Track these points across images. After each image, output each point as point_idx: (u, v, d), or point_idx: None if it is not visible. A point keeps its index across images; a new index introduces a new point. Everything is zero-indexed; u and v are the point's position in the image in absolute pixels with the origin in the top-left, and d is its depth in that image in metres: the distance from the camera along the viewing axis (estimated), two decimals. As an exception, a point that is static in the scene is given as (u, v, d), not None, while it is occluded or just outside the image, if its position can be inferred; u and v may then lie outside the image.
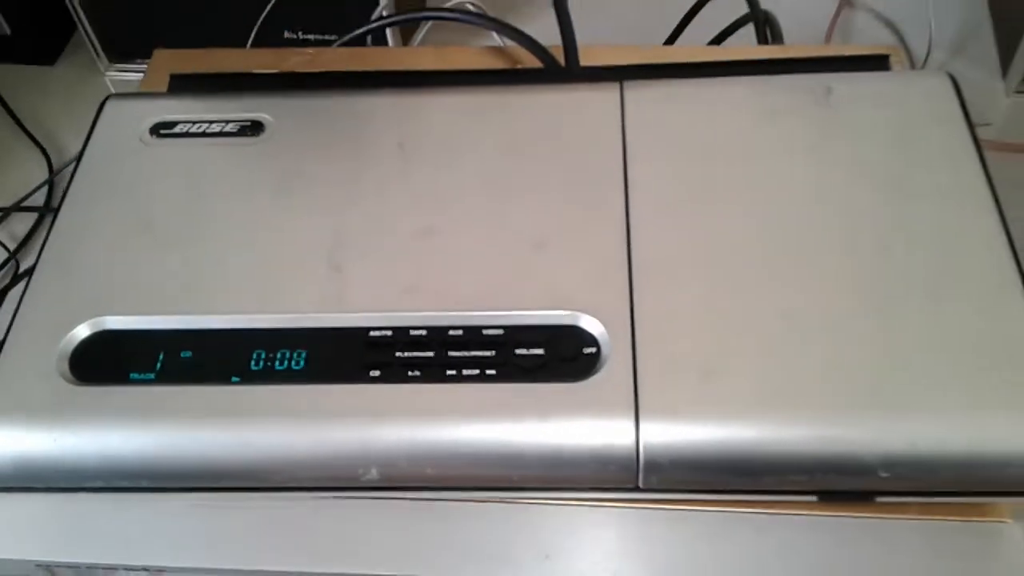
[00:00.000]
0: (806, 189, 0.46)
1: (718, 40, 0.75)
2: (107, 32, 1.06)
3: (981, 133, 0.93)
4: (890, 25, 1.03)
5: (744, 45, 0.71)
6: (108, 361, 0.43)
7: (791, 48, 0.61)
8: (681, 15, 0.80)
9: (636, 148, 0.48)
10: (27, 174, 0.96)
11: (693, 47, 0.69)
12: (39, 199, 0.96)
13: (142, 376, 0.42)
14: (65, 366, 0.42)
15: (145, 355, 0.43)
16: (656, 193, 0.46)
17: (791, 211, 0.45)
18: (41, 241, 0.47)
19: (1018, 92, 0.97)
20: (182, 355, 0.43)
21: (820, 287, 0.42)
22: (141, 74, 0.70)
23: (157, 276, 0.45)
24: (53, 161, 1.00)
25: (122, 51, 1.08)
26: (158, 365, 0.43)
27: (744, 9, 0.71)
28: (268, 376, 0.42)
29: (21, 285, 0.53)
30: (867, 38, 1.01)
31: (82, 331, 0.43)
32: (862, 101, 0.49)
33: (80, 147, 0.52)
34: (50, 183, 0.95)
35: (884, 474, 0.38)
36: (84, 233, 0.47)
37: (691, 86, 0.51)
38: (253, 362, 0.42)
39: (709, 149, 0.48)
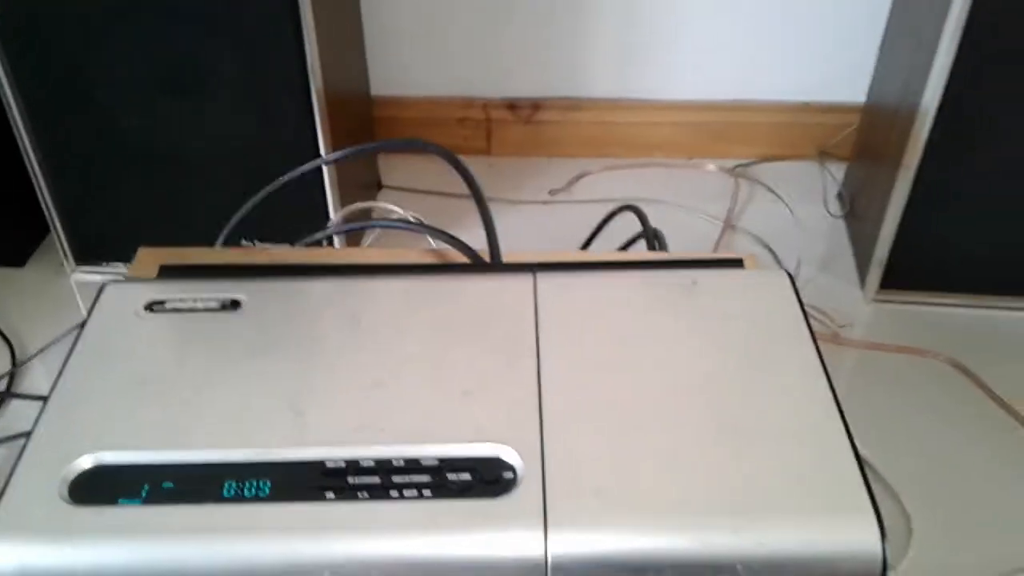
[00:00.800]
0: (677, 357, 0.58)
1: (623, 249, 0.91)
2: (77, 235, 1.17)
3: (844, 333, 1.09)
4: (766, 246, 1.22)
5: (635, 251, 0.86)
6: (102, 487, 0.51)
7: (671, 253, 0.76)
8: (590, 231, 0.96)
9: (545, 324, 0.60)
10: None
11: (595, 252, 0.83)
12: (1, 387, 1.04)
13: (129, 501, 0.50)
14: (65, 491, 0.50)
15: (133, 484, 0.51)
16: (561, 357, 0.58)
17: (666, 373, 0.57)
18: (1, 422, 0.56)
19: (874, 300, 1.14)
20: (164, 485, 0.51)
21: (687, 429, 0.53)
22: (103, 276, 0.80)
23: (147, 420, 0.54)
24: (17, 354, 1.09)
25: (89, 253, 1.19)
26: (143, 492, 0.51)
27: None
28: (238, 500, 0.50)
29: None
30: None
31: (83, 462, 0.52)
32: (719, 291, 0.62)
33: (43, 342, 0.61)
34: (11, 374, 1.03)
35: (740, 569, 0.48)
36: (86, 384, 0.56)
37: (590, 276, 0.64)
38: (225, 490, 0.51)
39: (603, 324, 0.60)
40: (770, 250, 1.21)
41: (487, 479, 0.51)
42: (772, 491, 0.50)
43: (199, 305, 0.62)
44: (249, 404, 0.55)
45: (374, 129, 1.40)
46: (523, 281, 0.64)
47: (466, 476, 0.51)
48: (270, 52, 1.01)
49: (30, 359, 1.03)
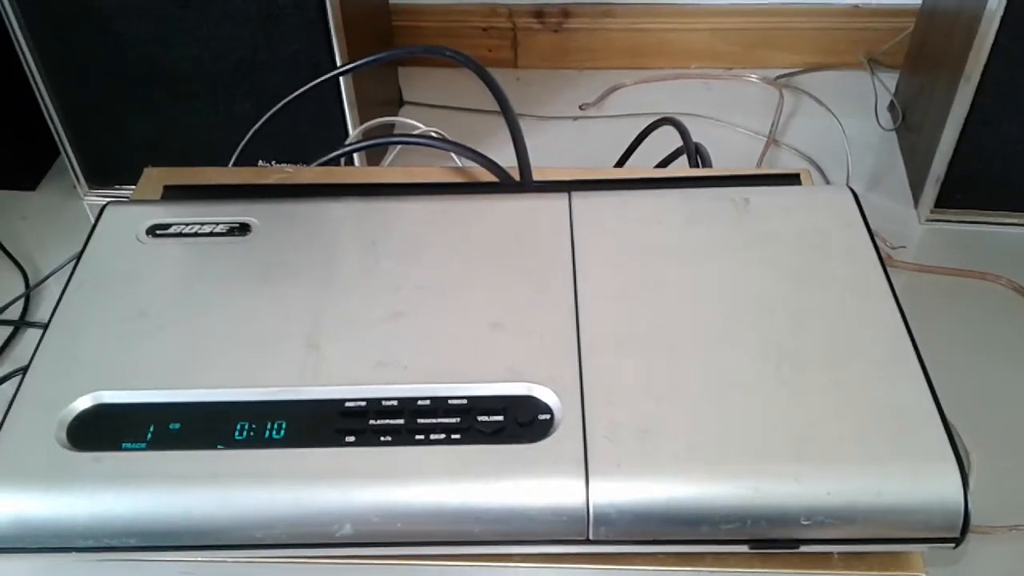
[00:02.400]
0: (729, 281, 0.52)
1: (660, 166, 0.84)
2: (88, 157, 1.13)
3: (897, 255, 1.03)
4: (812, 162, 1.15)
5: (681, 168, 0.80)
6: (105, 430, 0.47)
7: (717, 170, 0.69)
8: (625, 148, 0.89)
9: (582, 246, 0.55)
10: (4, 290, 1.01)
11: (633, 168, 0.77)
12: (15, 312, 1.00)
13: (134, 446, 0.46)
14: (63, 435, 0.46)
15: (138, 426, 0.47)
16: (601, 283, 0.52)
17: (717, 299, 0.51)
18: (14, 352, 0.52)
19: (928, 220, 1.07)
20: (171, 426, 0.47)
21: (743, 361, 0.48)
22: (116, 198, 0.76)
23: (151, 356, 0.50)
24: (30, 278, 1.05)
25: (101, 176, 1.15)
26: (149, 436, 0.46)
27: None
28: (251, 444, 0.46)
29: None
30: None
31: (82, 403, 0.47)
32: (775, 209, 0.56)
33: (68, 256, 0.57)
34: (26, 297, 0.99)
35: (805, 522, 0.43)
36: (85, 317, 0.52)
37: (630, 195, 0.58)
38: (237, 432, 0.47)
39: (647, 247, 0.54)
40: (817, 166, 1.14)
41: (521, 421, 0.46)
42: (839, 434, 0.45)
43: (205, 229, 0.57)
44: (261, 338, 0.50)
45: (394, 40, 1.33)
46: (557, 202, 0.58)
47: (498, 418, 0.46)
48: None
49: (42, 283, 0.99)
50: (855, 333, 0.49)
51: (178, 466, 0.45)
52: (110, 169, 1.14)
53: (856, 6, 1.27)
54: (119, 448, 0.46)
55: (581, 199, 0.58)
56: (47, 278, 0.98)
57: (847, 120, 1.19)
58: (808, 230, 0.55)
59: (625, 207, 0.57)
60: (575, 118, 1.25)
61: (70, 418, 0.47)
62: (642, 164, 0.86)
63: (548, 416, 0.46)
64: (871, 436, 0.45)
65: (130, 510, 0.44)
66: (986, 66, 0.95)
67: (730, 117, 1.22)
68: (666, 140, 0.83)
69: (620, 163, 0.95)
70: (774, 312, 0.50)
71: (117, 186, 1.15)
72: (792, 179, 0.62)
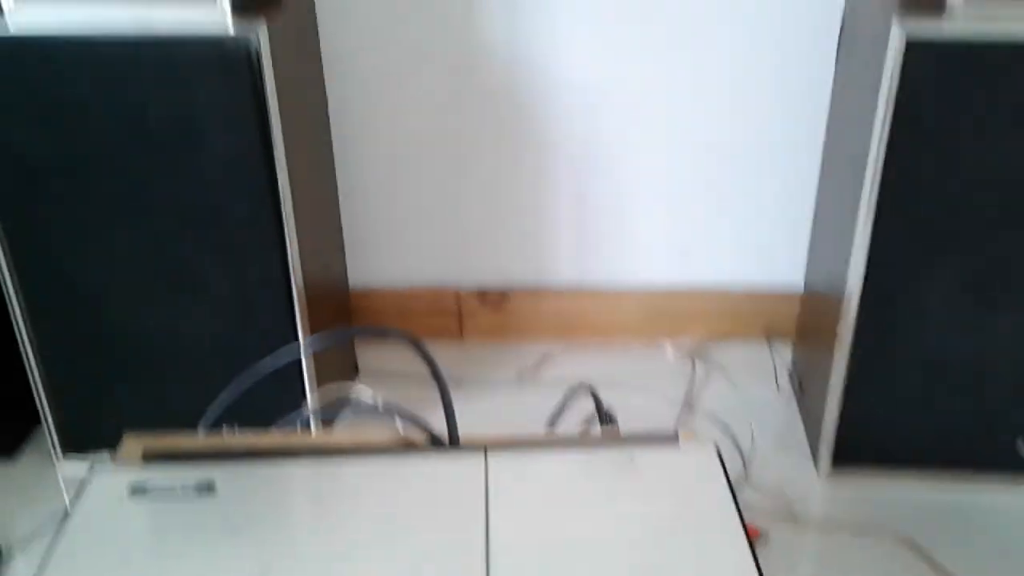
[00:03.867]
0: (614, 540, 0.63)
1: (585, 425, 0.98)
2: (65, 425, 1.20)
3: (800, 512, 1.12)
4: (724, 425, 1.28)
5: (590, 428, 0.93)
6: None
7: (614, 431, 0.82)
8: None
9: (495, 501, 0.66)
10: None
11: (547, 432, 0.89)
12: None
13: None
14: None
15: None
16: (510, 537, 0.63)
17: (606, 545, 0.62)
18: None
19: (828, 478, 1.18)
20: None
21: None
22: (89, 463, 0.84)
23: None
24: (3, 551, 1.10)
25: (77, 444, 1.22)
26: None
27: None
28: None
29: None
30: (701, 434, 1.24)
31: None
32: (652, 468, 0.69)
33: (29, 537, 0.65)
34: (-1, 572, 1.02)
35: None
36: (75, 566, 0.61)
37: (538, 455, 0.71)
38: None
39: (547, 499, 0.66)
40: (727, 429, 1.27)
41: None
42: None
43: (176, 490, 0.68)
44: (219, 581, 0.60)
45: (351, 318, 1.48)
46: (474, 458, 0.70)
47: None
48: (254, 254, 1.10)
49: (13, 558, 1.05)
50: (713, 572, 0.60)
51: None
52: (86, 436, 1.21)
53: (751, 290, 1.46)
54: None
55: (496, 458, 0.70)
56: (17, 553, 1.03)
57: (752, 387, 1.34)
58: (678, 488, 0.67)
59: (533, 464, 0.69)
60: (514, 383, 1.39)
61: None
62: (573, 420, 0.98)
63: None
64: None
65: None
66: (854, 340, 1.10)
67: (650, 383, 1.36)
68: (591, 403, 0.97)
69: (550, 424, 1.08)
70: (651, 559, 0.61)
71: (92, 452, 1.22)
72: (671, 438, 0.75)
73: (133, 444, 0.81)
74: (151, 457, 0.77)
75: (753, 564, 0.60)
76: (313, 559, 0.61)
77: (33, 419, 1.23)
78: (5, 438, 1.28)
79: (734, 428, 1.27)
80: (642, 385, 1.36)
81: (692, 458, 0.70)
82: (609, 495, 0.66)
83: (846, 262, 1.08)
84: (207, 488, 0.68)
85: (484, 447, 0.71)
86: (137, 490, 0.68)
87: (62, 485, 0.83)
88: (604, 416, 0.96)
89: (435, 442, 0.77)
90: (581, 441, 0.76)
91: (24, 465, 1.26)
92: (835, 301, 1.13)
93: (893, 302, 1.08)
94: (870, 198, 1.03)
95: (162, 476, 0.69)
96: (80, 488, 0.68)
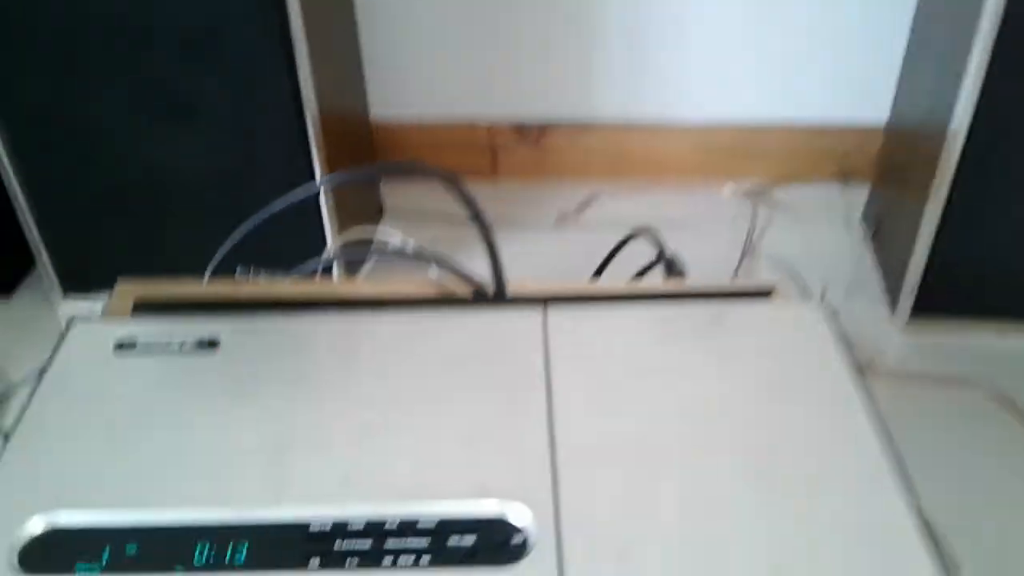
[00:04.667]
0: (703, 399, 0.52)
1: (639, 275, 0.85)
2: (64, 266, 1.12)
3: (875, 364, 1.02)
4: (789, 273, 1.16)
5: (654, 280, 0.81)
6: (58, 553, 0.45)
7: (691, 283, 0.69)
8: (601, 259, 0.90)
9: (557, 361, 0.54)
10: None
11: (608, 282, 0.77)
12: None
13: (88, 568, 0.44)
14: (15, 559, 0.44)
15: (93, 548, 0.45)
16: (575, 400, 0.51)
17: (691, 418, 0.51)
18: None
19: (906, 329, 1.08)
20: (127, 548, 0.45)
21: (720, 482, 0.47)
22: (92, 305, 0.75)
23: (110, 475, 0.48)
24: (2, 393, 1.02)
25: (78, 284, 1.14)
26: (104, 558, 0.45)
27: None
28: (212, 567, 0.44)
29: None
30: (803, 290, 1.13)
31: (35, 525, 0.45)
32: (747, 326, 0.56)
33: (39, 366, 0.56)
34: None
35: (788, 649, 0.41)
36: (45, 433, 0.50)
37: (605, 310, 0.58)
38: (197, 555, 0.45)
39: (620, 364, 0.54)
40: (793, 277, 1.15)
41: (494, 543, 0.45)
42: (820, 552, 0.43)
43: (173, 346, 0.56)
44: (225, 457, 0.49)
45: (375, 153, 1.35)
46: (532, 316, 0.58)
47: (470, 540, 0.45)
48: (260, 75, 0.97)
49: (12, 397, 0.98)
50: (833, 452, 0.48)
51: (134, 593, 0.43)
52: (87, 277, 1.13)
53: (825, 124, 1.31)
54: (72, 572, 0.44)
55: (556, 314, 0.58)
56: (14, 394, 0.96)
57: (820, 231, 1.21)
58: (781, 347, 0.55)
59: (600, 322, 0.57)
60: (553, 228, 1.27)
61: (22, 541, 0.45)
62: (620, 275, 0.86)
63: (522, 538, 0.45)
64: (855, 560, 0.43)
65: (80, 642, 0.42)
66: (952, 182, 0.98)
67: (707, 228, 1.23)
68: (643, 251, 0.84)
69: (597, 274, 0.96)
70: (750, 432, 0.50)
71: (94, 294, 1.14)
72: (764, 294, 0.62)
73: (127, 291, 0.70)
74: (145, 308, 0.65)
75: (886, 445, 0.49)
76: (340, 428, 0.50)
77: (30, 258, 1.15)
78: (1, 276, 1.20)
79: (802, 275, 1.15)
80: (698, 230, 1.23)
81: (794, 317, 0.57)
82: (699, 356, 0.54)
83: (954, 96, 0.94)
84: (209, 344, 0.56)
85: (544, 300, 0.59)
86: (125, 345, 0.56)
87: (63, 324, 0.75)
88: (669, 265, 0.83)
89: (480, 294, 0.65)
90: (654, 294, 0.63)
91: (22, 305, 1.17)
92: (935, 138, 0.99)
93: (1001, 144, 0.95)
94: (991, 25, 0.87)
95: (156, 329, 0.58)
96: (57, 343, 0.57)
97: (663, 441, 0.49)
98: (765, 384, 0.52)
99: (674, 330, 0.56)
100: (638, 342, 0.55)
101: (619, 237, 0.90)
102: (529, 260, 1.19)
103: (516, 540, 0.45)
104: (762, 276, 1.15)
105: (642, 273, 0.88)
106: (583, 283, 0.66)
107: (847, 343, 0.55)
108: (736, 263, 1.17)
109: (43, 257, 1.11)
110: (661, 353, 0.54)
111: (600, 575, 0.43)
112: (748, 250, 1.20)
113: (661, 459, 0.48)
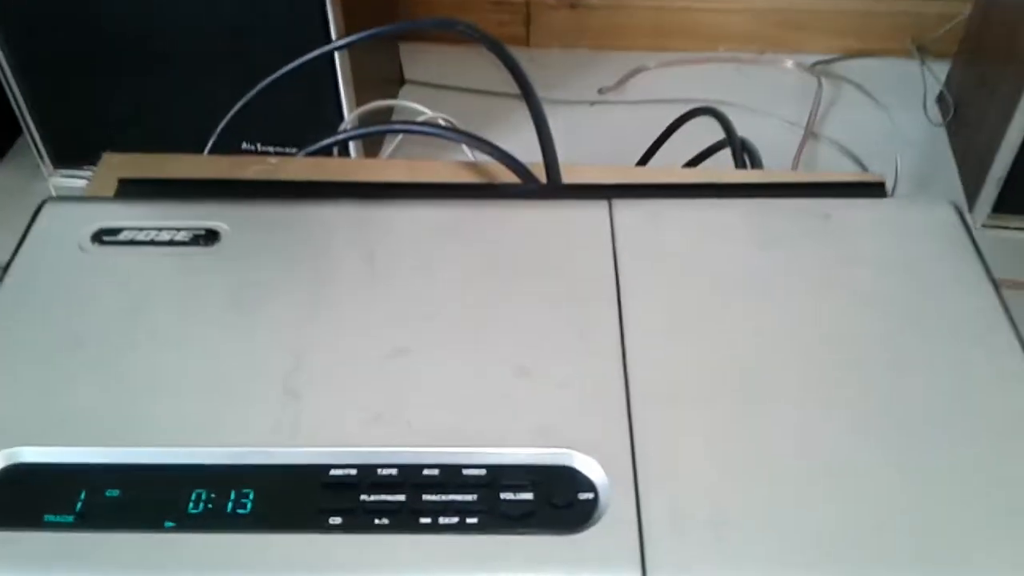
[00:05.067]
0: (813, 320, 0.42)
1: (693, 163, 0.74)
2: (54, 135, 1.03)
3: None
4: (853, 158, 1.05)
5: (720, 168, 0.70)
6: (21, 500, 0.36)
7: (776, 173, 0.59)
8: (652, 137, 0.79)
9: (629, 269, 0.44)
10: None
11: (674, 168, 0.67)
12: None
13: (59, 519, 0.36)
14: (-32, 504, 0.36)
15: (64, 493, 0.36)
16: (654, 319, 0.42)
17: (799, 343, 0.41)
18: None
19: (984, 226, 0.98)
20: (107, 494, 0.37)
21: (834, 424, 0.38)
22: (87, 180, 0.66)
23: (85, 401, 0.39)
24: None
25: (68, 155, 1.05)
26: (78, 506, 0.36)
27: (718, 135, 0.70)
28: (209, 522, 0.36)
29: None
30: (831, 170, 1.02)
31: (-8, 463, 0.37)
32: (863, 229, 0.46)
33: (10, 253, 0.46)
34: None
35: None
36: (5, 346, 0.41)
37: (683, 207, 0.48)
38: (192, 504, 0.36)
39: (706, 273, 0.44)
40: (859, 163, 1.04)
41: (556, 502, 0.36)
42: (972, 529, 0.35)
43: (164, 236, 0.47)
44: (226, 381, 0.40)
45: (397, 12, 1.23)
46: (595, 212, 0.47)
47: (526, 496, 0.36)
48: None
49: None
50: (980, 391, 0.39)
51: (113, 551, 0.35)
52: (80, 148, 1.05)
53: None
54: (39, 524, 0.36)
55: (625, 209, 0.47)
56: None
57: (892, 113, 1.09)
58: (908, 257, 0.45)
59: (679, 221, 0.47)
60: (592, 103, 1.15)
61: (-22, 483, 0.37)
62: (671, 159, 0.75)
63: (591, 495, 0.36)
64: (1003, 535, 0.35)
65: (49, 610, 0.34)
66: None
67: (763, 106, 1.12)
68: (697, 131, 0.73)
69: (647, 157, 0.85)
70: (873, 362, 0.40)
71: (88, 167, 1.06)
72: (876, 188, 0.52)
73: (114, 166, 0.60)
74: (133, 188, 0.55)
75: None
76: (369, 344, 0.41)
77: (17, 126, 1.06)
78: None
79: (868, 162, 1.04)
80: (754, 108, 1.11)
81: (918, 217, 0.47)
82: (806, 263, 0.44)
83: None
84: (207, 235, 0.47)
85: (607, 193, 0.48)
86: (105, 233, 0.47)
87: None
88: (739, 149, 0.72)
89: (529, 183, 0.55)
90: (746, 184, 0.53)
91: (9, 176, 1.07)
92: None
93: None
94: None
95: (144, 214, 0.48)
96: (25, 231, 0.48)
97: (765, 375, 0.40)
98: (890, 305, 0.42)
99: (774, 231, 0.46)
100: (730, 246, 0.45)
101: (666, 115, 0.79)
102: (564, 140, 1.08)
103: (584, 496, 0.36)
104: (824, 162, 1.04)
105: (700, 159, 0.77)
106: (653, 170, 0.55)
107: (983, 256, 0.45)
108: (796, 148, 1.06)
109: (29, 126, 1.02)
110: (758, 261, 0.45)
111: (689, 546, 0.34)
112: (810, 132, 1.08)
113: (763, 398, 0.39)
